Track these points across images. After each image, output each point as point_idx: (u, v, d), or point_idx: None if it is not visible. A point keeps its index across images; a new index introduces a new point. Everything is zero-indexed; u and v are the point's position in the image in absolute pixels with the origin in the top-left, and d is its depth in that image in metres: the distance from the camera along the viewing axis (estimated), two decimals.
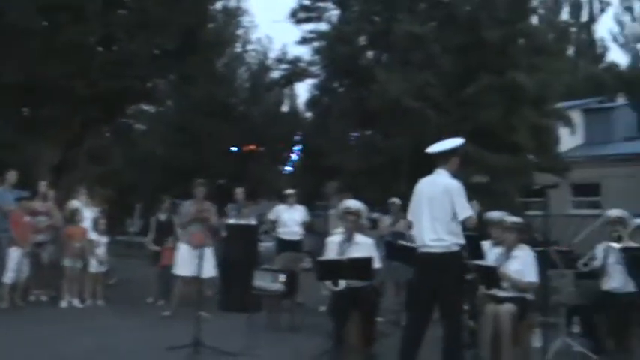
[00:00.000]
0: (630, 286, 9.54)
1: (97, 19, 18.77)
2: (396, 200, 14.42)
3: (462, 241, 7.78)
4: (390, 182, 22.33)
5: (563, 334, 9.97)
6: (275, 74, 32.37)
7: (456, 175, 7.84)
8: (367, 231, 11.13)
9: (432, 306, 7.75)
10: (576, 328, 10.78)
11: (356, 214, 9.83)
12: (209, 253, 12.38)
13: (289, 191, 15.29)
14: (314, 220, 16.18)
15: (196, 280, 11.37)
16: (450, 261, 7.62)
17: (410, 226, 8.22)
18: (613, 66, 50.48)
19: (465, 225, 7.68)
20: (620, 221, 10.02)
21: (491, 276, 8.73)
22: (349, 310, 9.20)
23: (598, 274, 10.10)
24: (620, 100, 38.15)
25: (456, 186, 7.65)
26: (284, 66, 30.18)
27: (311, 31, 27.44)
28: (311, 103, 29.43)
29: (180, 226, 13.05)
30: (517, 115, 23.02)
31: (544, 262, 8.95)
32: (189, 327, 9.21)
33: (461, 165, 7.99)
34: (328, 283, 9.26)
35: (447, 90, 23.41)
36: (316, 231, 16.12)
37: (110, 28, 19.53)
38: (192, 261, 12.06)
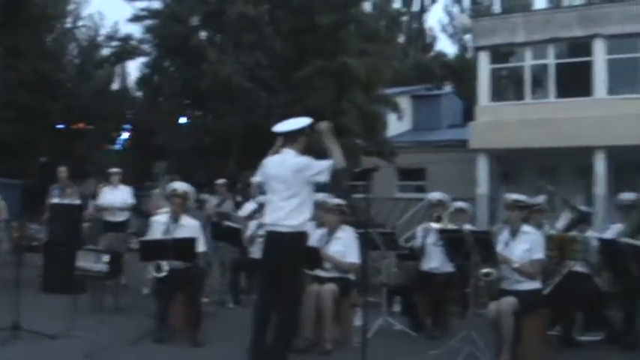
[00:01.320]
0: (448, 267, 9.87)
1: None
2: (222, 181, 14.38)
3: (310, 220, 7.88)
4: (219, 163, 22.33)
5: (384, 313, 10.22)
6: (105, 51, 31.77)
7: (303, 154, 7.79)
8: (194, 212, 11.07)
9: (279, 286, 7.74)
10: (397, 308, 11.10)
11: (182, 196, 9.72)
12: None
13: (113, 170, 14.85)
14: (142, 200, 15.87)
15: None
16: (298, 241, 7.66)
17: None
18: (441, 55, 52.07)
19: (337, 173, 7.65)
20: (440, 204, 10.34)
21: (314, 257, 8.82)
22: (173, 291, 9.13)
23: (418, 255, 10.40)
24: (447, 88, 39.28)
25: (304, 162, 7.60)
26: (115, 43, 29.64)
27: (143, 9, 27.00)
28: (141, 81, 28.99)
29: None
30: (346, 99, 23.39)
31: (366, 244, 9.12)
32: (9, 311, 8.90)
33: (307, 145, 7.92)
34: (151, 268, 9.12)
35: (278, 72, 23.55)
36: (144, 211, 15.81)
37: None
38: None
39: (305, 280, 8.73)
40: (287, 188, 7.59)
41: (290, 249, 7.61)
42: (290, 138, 7.75)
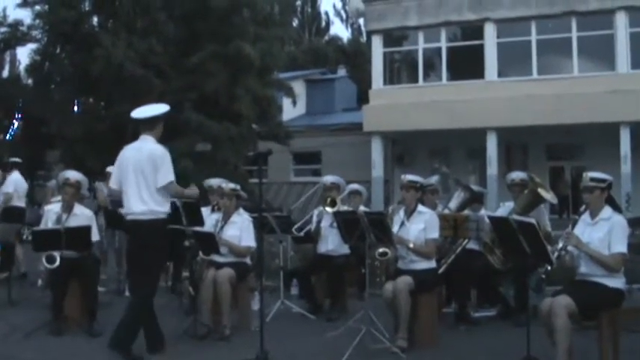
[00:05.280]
0: (344, 249, 9.93)
1: None
2: None
3: (168, 209, 7.70)
4: (113, 150, 22.00)
5: (282, 296, 10.25)
6: None
7: (160, 140, 7.68)
8: (88, 201, 10.89)
9: None
10: (295, 291, 11.14)
11: (75, 185, 9.49)
12: None
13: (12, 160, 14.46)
14: (35, 190, 15.52)
15: None
16: (156, 229, 7.52)
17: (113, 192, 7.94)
18: (335, 39, 52.34)
19: (168, 191, 7.55)
20: (334, 187, 10.39)
21: (210, 242, 8.79)
22: (67, 281, 8.96)
23: (314, 238, 10.45)
24: (341, 72, 39.50)
25: (160, 151, 7.55)
26: (3, 29, 28.78)
27: None
28: (32, 69, 28.28)
29: None
30: (241, 85, 23.35)
31: (262, 228, 9.10)
32: None
33: (164, 130, 7.83)
34: (44, 260, 8.91)
35: (171, 58, 23.34)
36: (37, 202, 15.46)
37: None
38: None
39: (201, 266, 8.71)
40: (143, 175, 7.47)
41: (147, 238, 7.47)
42: (148, 124, 7.68)
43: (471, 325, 9.14)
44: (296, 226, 10.63)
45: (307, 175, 31.18)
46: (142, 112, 7.72)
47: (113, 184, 7.92)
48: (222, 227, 9.20)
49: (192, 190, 8.03)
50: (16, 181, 13.75)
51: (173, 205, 9.22)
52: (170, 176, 7.48)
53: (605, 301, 6.46)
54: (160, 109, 7.83)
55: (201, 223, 9.07)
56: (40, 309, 9.50)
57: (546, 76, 24.90)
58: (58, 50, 27.07)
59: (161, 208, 7.53)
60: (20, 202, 13.73)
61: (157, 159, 7.45)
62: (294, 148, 28.75)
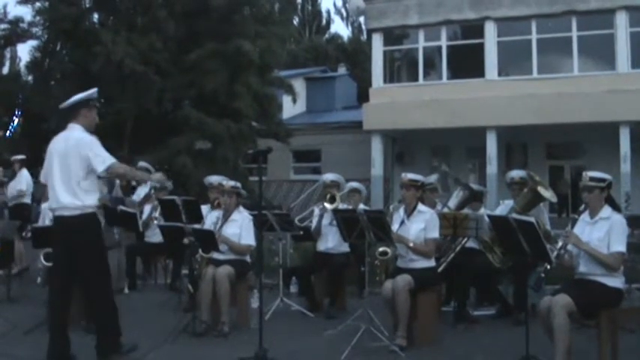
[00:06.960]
0: (344, 247, 9.94)
1: None
2: None
3: (96, 201, 7.20)
4: (113, 147, 22.00)
5: (282, 294, 10.24)
6: None
7: (92, 129, 7.29)
8: None
9: (74, 272, 7.18)
10: (294, 289, 11.14)
11: None
12: None
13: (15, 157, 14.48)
14: (35, 187, 15.50)
15: None
16: (86, 224, 7.06)
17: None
18: (335, 37, 52.32)
19: (110, 175, 7.26)
20: (334, 184, 10.41)
21: (209, 240, 8.78)
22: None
23: (314, 236, 10.45)
24: (342, 70, 39.47)
25: (88, 139, 7.10)
26: (4, 26, 28.76)
27: None
28: (32, 65, 28.25)
29: None
30: (241, 83, 23.35)
31: (262, 226, 9.08)
32: None
33: (95, 116, 7.42)
34: (42, 258, 8.88)
35: (171, 55, 23.34)
36: (36, 199, 15.45)
37: None
38: None
39: (200, 264, 8.69)
40: (70, 166, 7.01)
41: (80, 234, 7.05)
42: (72, 112, 7.24)
43: (470, 324, 9.13)
44: (297, 218, 10.61)
45: (307, 173, 31.19)
46: (67, 101, 7.30)
47: (42, 177, 7.56)
48: (222, 225, 9.20)
49: (155, 176, 7.87)
50: (27, 178, 13.90)
51: (172, 202, 9.23)
52: (109, 158, 7.05)
53: (604, 300, 6.45)
54: (81, 95, 7.36)
55: (199, 220, 9.09)
56: (39, 306, 9.47)
57: (546, 75, 24.84)
58: (58, 47, 27.09)
59: (89, 201, 7.05)
60: (27, 200, 13.83)
61: (86, 147, 7.00)
62: (294, 146, 28.80)
